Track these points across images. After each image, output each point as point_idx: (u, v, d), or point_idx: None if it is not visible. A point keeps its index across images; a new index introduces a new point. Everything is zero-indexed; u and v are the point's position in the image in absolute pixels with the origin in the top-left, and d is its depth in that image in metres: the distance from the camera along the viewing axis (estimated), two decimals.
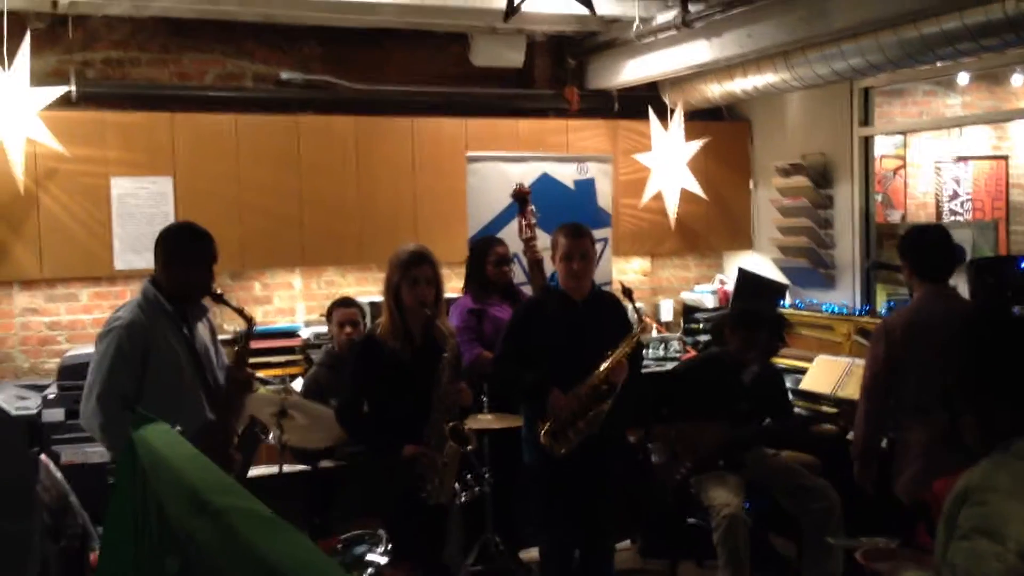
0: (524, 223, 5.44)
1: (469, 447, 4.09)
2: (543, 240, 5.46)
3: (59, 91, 5.71)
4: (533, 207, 5.50)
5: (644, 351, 6.22)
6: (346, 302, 5.52)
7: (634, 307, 4.55)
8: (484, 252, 5.58)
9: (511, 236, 5.82)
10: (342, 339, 5.30)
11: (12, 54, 5.47)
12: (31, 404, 5.43)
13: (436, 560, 4.15)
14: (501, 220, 6.26)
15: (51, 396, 5.42)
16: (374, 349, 4.09)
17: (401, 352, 4.05)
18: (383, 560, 3.68)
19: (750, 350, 5.20)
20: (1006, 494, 2.24)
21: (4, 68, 5.46)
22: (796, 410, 5.70)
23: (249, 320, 3.95)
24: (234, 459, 3.84)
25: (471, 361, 5.17)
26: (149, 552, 2.03)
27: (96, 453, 5.10)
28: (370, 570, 3.61)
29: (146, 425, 2.26)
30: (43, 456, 4.61)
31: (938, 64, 5.62)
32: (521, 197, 5.51)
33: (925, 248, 4.40)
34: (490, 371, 4.79)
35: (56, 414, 5.35)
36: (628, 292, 4.60)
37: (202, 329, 3.99)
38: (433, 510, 4.06)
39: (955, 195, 8.61)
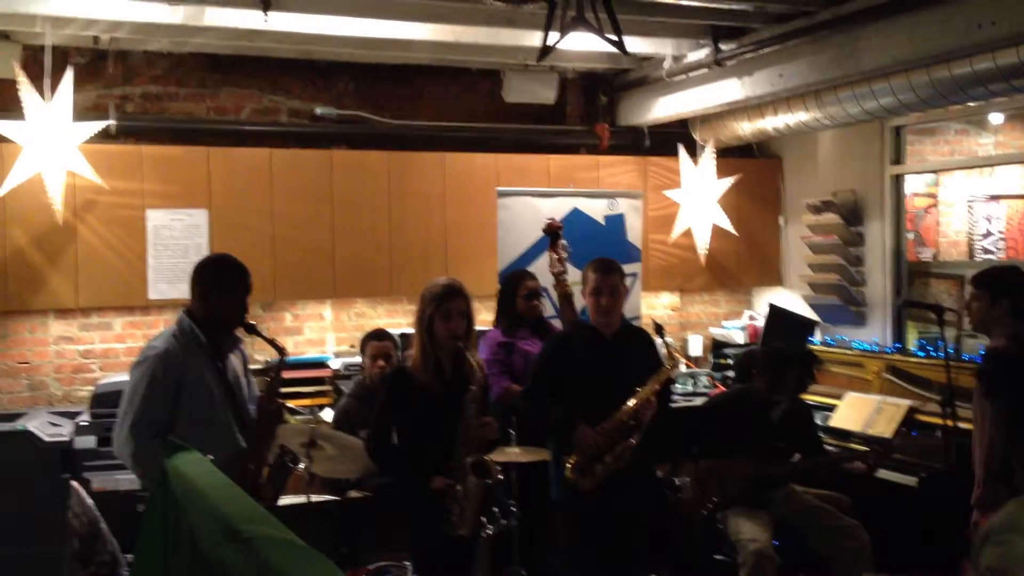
0: (555, 257, 5.46)
1: (490, 481, 4.09)
2: (573, 275, 5.48)
3: (99, 125, 5.83)
4: (564, 242, 5.53)
5: (673, 386, 6.19)
6: (379, 335, 5.54)
7: (665, 343, 4.55)
8: (515, 286, 5.60)
9: (541, 270, 5.85)
10: (374, 372, 5.32)
11: (54, 88, 5.58)
12: (64, 431, 5.49)
13: None
14: (531, 254, 6.29)
15: (84, 423, 5.48)
16: (405, 382, 4.10)
17: (432, 385, 4.07)
18: None
19: (779, 388, 5.18)
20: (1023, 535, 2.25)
21: (47, 101, 5.58)
22: (827, 447, 5.66)
23: (282, 351, 3.99)
24: (265, 489, 3.87)
25: (499, 394, 5.17)
26: None
27: (127, 481, 5.14)
28: None
29: (179, 453, 2.30)
30: (74, 483, 4.66)
31: (970, 104, 5.62)
32: (553, 232, 5.54)
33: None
34: (519, 404, 4.79)
35: (88, 441, 5.41)
36: (660, 328, 4.60)
37: (235, 360, 4.04)
38: (458, 542, 4.06)
39: (988, 233, 8.55)
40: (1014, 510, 2.33)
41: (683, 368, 7.45)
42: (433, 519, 3.99)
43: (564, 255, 5.49)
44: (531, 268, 6.05)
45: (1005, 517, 2.32)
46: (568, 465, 4.33)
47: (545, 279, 5.69)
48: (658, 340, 4.59)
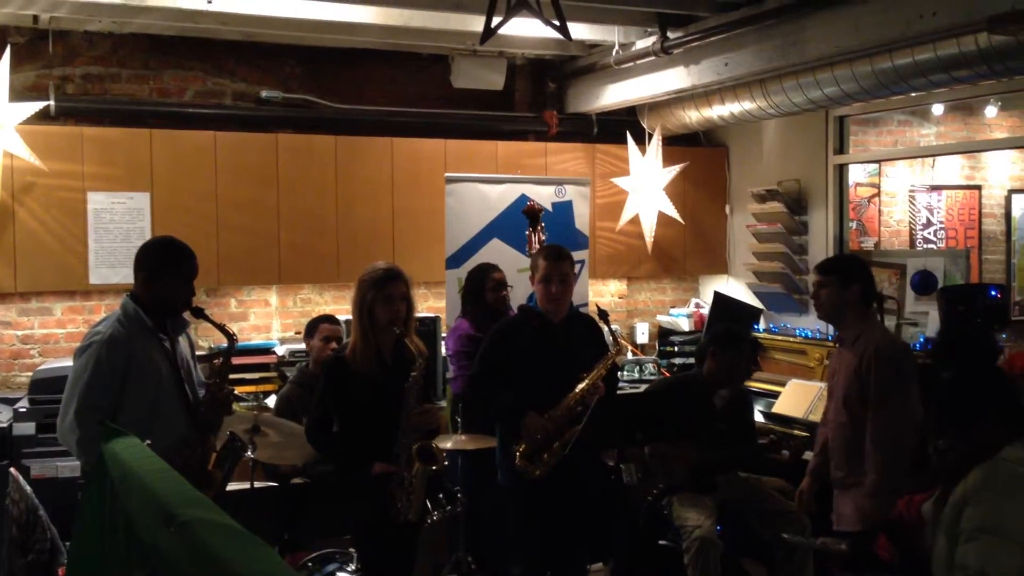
0: (536, 239, 5.49)
1: (435, 467, 4.09)
2: (519, 262, 5.53)
3: (38, 106, 5.72)
4: (543, 224, 5.55)
5: (619, 373, 6.23)
6: (331, 319, 5.52)
7: (610, 329, 4.57)
8: (481, 279, 5.61)
9: (491, 257, 5.89)
10: (327, 354, 5.28)
11: None
12: (2, 417, 5.41)
13: None
14: (479, 240, 6.29)
15: (23, 410, 5.39)
16: (343, 369, 4.08)
17: (371, 372, 4.05)
18: None
19: (726, 372, 5.23)
20: (1003, 493, 2.35)
21: None
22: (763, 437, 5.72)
23: (231, 336, 3.95)
24: (214, 475, 3.83)
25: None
26: (116, 566, 2.03)
27: (67, 468, 5.08)
28: None
29: (116, 438, 2.27)
30: (13, 470, 4.58)
31: (912, 94, 5.70)
32: (533, 214, 5.55)
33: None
34: (466, 390, 4.78)
35: (27, 428, 5.33)
36: (604, 314, 4.63)
37: (183, 343, 3.99)
38: (402, 529, 4.05)
39: (928, 223, 8.70)
40: (982, 474, 2.43)
41: (629, 355, 7.50)
42: (375, 505, 3.98)
43: (544, 236, 5.52)
44: (478, 255, 6.06)
45: (978, 481, 2.42)
46: (517, 452, 4.34)
47: (503, 265, 5.71)
48: (604, 327, 4.61)
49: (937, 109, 7.79)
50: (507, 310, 5.62)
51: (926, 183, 8.72)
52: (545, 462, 4.34)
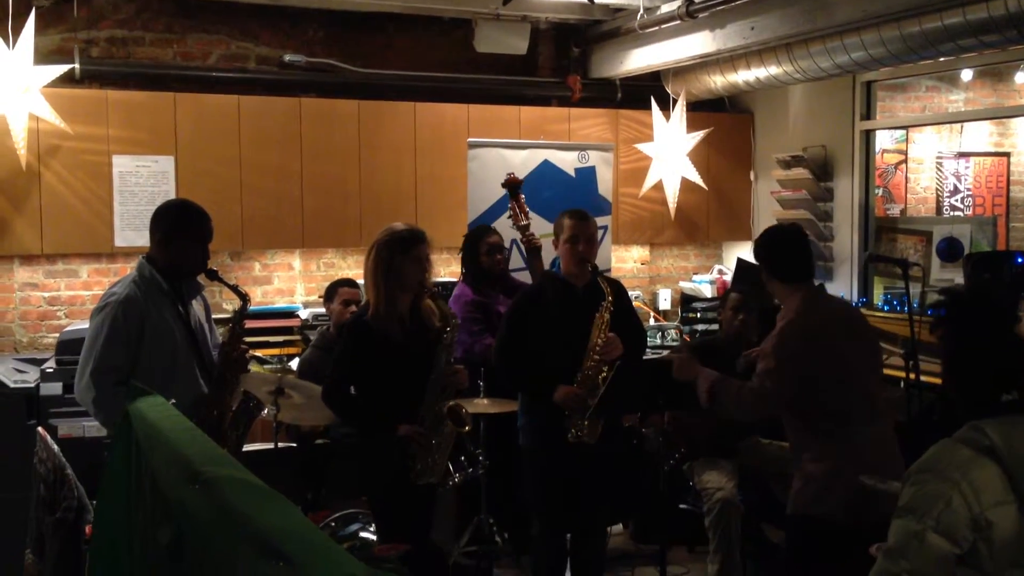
0: (519, 211, 5.46)
1: (466, 428, 4.11)
2: (540, 227, 5.50)
3: (62, 69, 5.74)
4: (524, 195, 5.52)
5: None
6: (351, 282, 5.55)
7: (600, 277, 4.47)
8: (476, 242, 5.62)
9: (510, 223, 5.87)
10: (346, 317, 5.31)
11: (17, 31, 5.49)
12: (29, 378, 5.46)
13: (423, 540, 4.15)
14: (501, 206, 6.26)
15: (49, 370, 5.45)
16: (366, 331, 4.05)
17: (394, 333, 4.04)
18: (375, 537, 3.71)
19: (736, 332, 5.23)
20: (938, 476, 2.34)
21: (8, 45, 5.48)
22: None
23: (244, 297, 3.97)
24: (228, 434, 3.87)
25: (482, 352, 5.20)
26: (142, 523, 2.06)
27: (93, 427, 5.13)
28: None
29: (141, 397, 2.30)
30: (40, 429, 4.63)
31: (941, 59, 5.63)
32: (512, 186, 5.52)
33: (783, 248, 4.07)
34: (492, 361, 4.76)
35: (54, 388, 5.38)
36: (594, 268, 4.49)
37: (196, 307, 4.02)
38: (421, 491, 4.07)
39: (956, 190, 8.62)
40: (935, 452, 2.41)
41: (652, 322, 7.49)
42: (396, 468, 3.99)
43: (526, 208, 5.48)
44: (501, 220, 6.06)
45: (926, 459, 2.42)
46: (569, 433, 4.33)
47: (514, 232, 5.70)
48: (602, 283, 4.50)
49: (966, 75, 7.70)
50: (504, 275, 5.62)
51: (954, 150, 8.63)
52: (595, 424, 4.34)
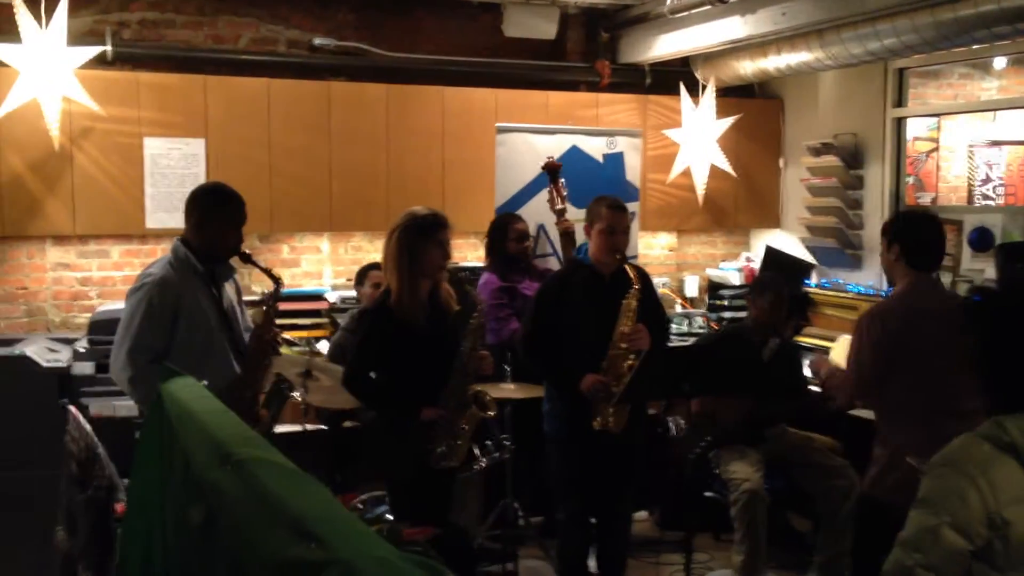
0: (556, 195, 5.49)
1: (489, 413, 4.12)
2: (571, 212, 5.51)
3: (95, 51, 5.78)
4: (563, 180, 5.54)
5: (669, 325, 6.20)
6: (379, 267, 5.58)
7: (628, 264, 4.48)
8: (504, 230, 5.66)
9: (536, 208, 5.87)
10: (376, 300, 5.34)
11: (50, 13, 5.52)
12: (62, 357, 5.52)
13: (441, 524, 4.15)
14: (528, 192, 6.27)
15: (81, 350, 5.51)
16: (389, 317, 4.04)
17: (417, 319, 4.03)
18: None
19: (765, 319, 5.21)
20: (957, 470, 2.32)
21: (41, 26, 5.52)
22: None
23: (277, 281, 4.00)
24: (260, 416, 3.91)
25: (509, 336, 5.23)
26: (174, 502, 2.08)
27: (124, 407, 5.18)
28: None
29: (174, 379, 2.32)
30: (72, 408, 4.69)
31: (974, 47, 5.57)
32: (552, 170, 5.55)
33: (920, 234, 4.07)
34: (517, 348, 4.77)
35: (86, 367, 5.44)
36: (622, 256, 4.50)
37: (229, 289, 4.05)
38: (441, 474, 4.08)
39: (987, 179, 8.53)
40: (957, 446, 2.40)
41: (678, 308, 7.48)
42: (415, 452, 4.00)
43: (564, 192, 5.51)
44: (527, 206, 6.08)
45: (947, 452, 2.41)
46: (595, 422, 4.34)
47: (541, 217, 5.71)
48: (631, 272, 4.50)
49: (999, 62, 7.61)
50: (529, 261, 5.65)
51: (986, 138, 8.53)
52: (618, 411, 4.35)
